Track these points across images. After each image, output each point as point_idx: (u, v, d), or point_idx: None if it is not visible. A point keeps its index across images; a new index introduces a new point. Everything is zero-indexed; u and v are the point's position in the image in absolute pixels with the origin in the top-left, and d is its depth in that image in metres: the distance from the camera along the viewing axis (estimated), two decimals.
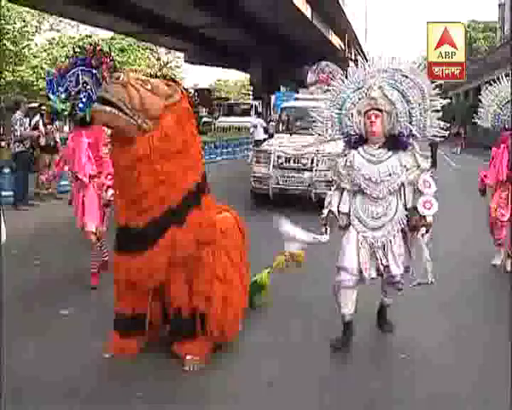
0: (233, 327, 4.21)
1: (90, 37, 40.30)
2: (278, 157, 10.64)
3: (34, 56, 39.28)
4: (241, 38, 34.14)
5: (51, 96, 5.80)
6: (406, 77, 4.27)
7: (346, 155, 4.36)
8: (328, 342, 4.42)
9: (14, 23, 36.51)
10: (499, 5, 42.44)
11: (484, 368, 4.14)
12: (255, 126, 18.69)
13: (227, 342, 4.23)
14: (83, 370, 4.02)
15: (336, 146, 10.90)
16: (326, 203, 4.47)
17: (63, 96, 5.72)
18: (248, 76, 47.34)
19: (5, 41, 35.11)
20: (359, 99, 4.32)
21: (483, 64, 35.44)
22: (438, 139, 4.57)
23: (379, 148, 4.23)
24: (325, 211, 4.44)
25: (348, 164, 4.28)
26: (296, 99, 13.44)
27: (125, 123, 3.56)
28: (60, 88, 5.74)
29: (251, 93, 44.27)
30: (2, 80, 34.36)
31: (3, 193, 10.62)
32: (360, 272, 4.24)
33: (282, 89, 44.61)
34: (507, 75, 6.54)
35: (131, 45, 44.15)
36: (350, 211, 4.34)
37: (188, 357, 3.98)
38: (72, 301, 5.32)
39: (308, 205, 10.19)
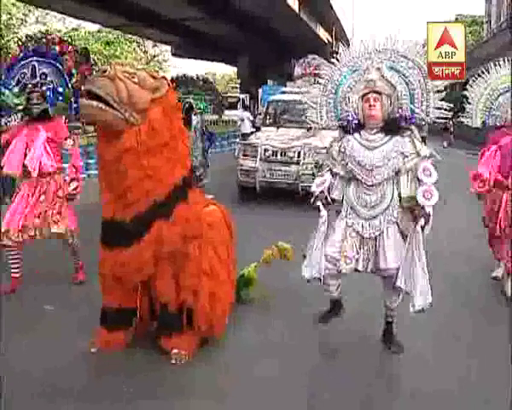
0: (220, 322, 4.20)
1: (77, 30, 40.00)
2: (265, 150, 10.60)
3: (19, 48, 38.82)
4: (228, 31, 34.08)
5: (4, 91, 5.50)
6: (405, 57, 4.13)
7: (341, 140, 4.16)
8: (318, 338, 4.40)
9: None
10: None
11: (482, 367, 4.06)
12: (242, 120, 18.60)
13: (214, 337, 4.22)
14: (71, 367, 3.98)
15: (323, 139, 11.08)
16: (318, 182, 4.25)
17: (16, 89, 5.47)
18: (236, 69, 47.24)
19: None
20: (356, 82, 4.16)
21: (470, 58, 35.62)
22: (425, 133, 4.52)
23: (376, 133, 4.03)
24: (318, 189, 4.21)
25: (342, 149, 4.10)
26: (283, 92, 13.41)
27: (113, 117, 3.52)
28: (9, 81, 5.47)
29: (238, 86, 44.12)
30: None
31: None
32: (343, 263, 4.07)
33: (270, 83, 44.59)
34: (495, 65, 5.74)
35: (118, 38, 43.88)
36: (341, 198, 4.18)
37: (174, 351, 3.96)
38: (57, 297, 5.26)
39: (295, 198, 10.22)
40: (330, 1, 36.08)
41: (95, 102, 3.46)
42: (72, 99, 5.80)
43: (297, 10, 32.57)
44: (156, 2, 27.30)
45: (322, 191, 4.18)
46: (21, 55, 5.60)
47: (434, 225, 3.97)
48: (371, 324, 4.56)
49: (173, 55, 44.03)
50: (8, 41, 37.25)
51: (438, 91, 4.17)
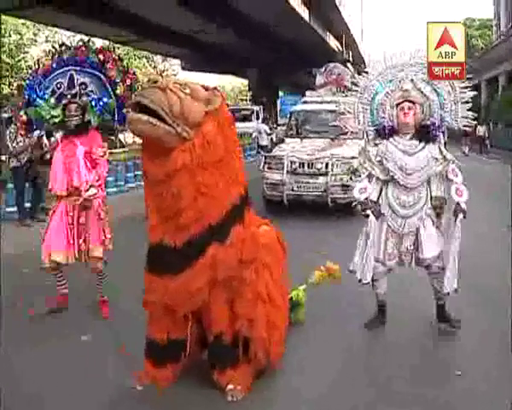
0: (278, 350, 3.84)
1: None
2: (292, 162, 10.30)
3: (30, 69, 38.90)
4: (237, 42, 33.87)
5: (39, 102, 5.13)
6: None
7: (377, 145, 4.54)
8: (370, 359, 4.30)
9: (10, 36, 36.16)
10: (494, 1, 42.31)
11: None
12: (259, 132, 18.36)
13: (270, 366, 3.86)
14: (116, 404, 3.69)
15: (350, 149, 10.82)
16: (359, 188, 4.54)
17: (52, 100, 5.08)
18: (244, 81, 47.07)
19: (1, 54, 34.76)
20: (391, 91, 4.50)
21: (480, 62, 35.29)
22: (445, 139, 4.74)
23: (410, 139, 4.42)
24: (362, 196, 4.50)
25: (381, 153, 4.45)
26: (304, 102, 13.10)
27: (165, 132, 3.16)
28: (44, 91, 5.09)
29: (248, 98, 43.91)
30: None
31: (8, 209, 10.31)
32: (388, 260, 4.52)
33: (281, 93, 44.43)
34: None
35: (128, 53, 43.88)
36: (379, 199, 4.49)
37: (230, 386, 3.61)
38: (94, 325, 4.96)
39: (324, 210, 9.96)
40: (339, 7, 35.91)
41: (145, 117, 3.11)
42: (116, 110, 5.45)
43: (307, 19, 32.38)
44: (165, 16, 27.12)
45: (366, 198, 4.48)
46: (55, 64, 5.23)
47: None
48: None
49: (183, 68, 43.88)
50: (19, 61, 37.33)
51: (466, 102, 4.57)
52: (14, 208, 10.20)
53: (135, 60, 45.49)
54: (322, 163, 10.16)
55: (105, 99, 5.11)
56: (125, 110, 5.44)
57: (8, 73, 35.83)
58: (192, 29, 30.88)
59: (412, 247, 4.53)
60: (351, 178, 9.57)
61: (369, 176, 4.53)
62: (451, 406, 3.66)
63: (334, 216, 9.82)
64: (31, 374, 4.07)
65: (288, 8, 27.76)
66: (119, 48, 42.00)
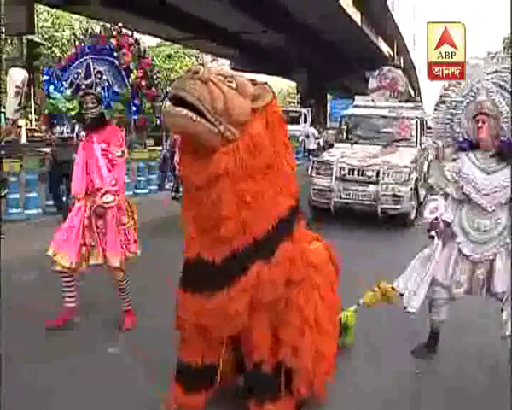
0: (323, 381, 3.40)
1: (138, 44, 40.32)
2: (341, 169, 9.80)
3: None
4: (287, 44, 33.51)
5: (55, 95, 4.69)
6: None
7: (454, 160, 4.12)
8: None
9: (63, 31, 36.71)
10: None
11: None
12: (307, 136, 17.89)
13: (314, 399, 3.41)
14: None
15: (402, 157, 10.25)
16: (431, 208, 4.11)
17: (68, 92, 4.64)
18: (292, 83, 46.57)
19: (54, 48, 35.31)
20: (467, 104, 4.09)
21: None
22: None
23: (491, 156, 4.00)
24: (431, 216, 4.06)
25: (456, 170, 4.07)
26: (356, 106, 12.57)
27: (206, 130, 2.73)
28: (63, 83, 4.64)
29: (296, 101, 43.42)
30: None
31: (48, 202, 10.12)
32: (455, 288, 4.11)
33: (329, 97, 43.83)
34: None
35: (178, 52, 44.03)
36: (452, 221, 4.07)
37: None
38: (120, 336, 4.64)
39: (373, 221, 9.46)
40: (391, 11, 35.14)
41: (185, 111, 2.66)
42: (131, 100, 4.93)
43: (359, 23, 31.78)
44: (216, 15, 27.05)
45: (436, 218, 4.03)
46: (77, 53, 4.79)
47: None
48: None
49: (232, 69, 43.79)
50: None
51: None
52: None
53: (184, 59, 45.67)
54: (373, 171, 9.63)
55: (115, 87, 4.62)
56: (136, 99, 4.90)
57: None
58: (242, 29, 30.73)
59: (484, 276, 4.07)
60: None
61: (445, 195, 4.14)
62: None
63: (384, 227, 9.33)
64: (58, 389, 3.79)
65: (340, 10, 27.28)
66: (169, 46, 42.48)
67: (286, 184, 3.05)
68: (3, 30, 19.90)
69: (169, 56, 43.15)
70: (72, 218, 4.60)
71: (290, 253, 3.03)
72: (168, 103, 2.75)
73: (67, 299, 4.73)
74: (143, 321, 4.83)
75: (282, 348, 3.16)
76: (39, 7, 29.01)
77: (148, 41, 41.76)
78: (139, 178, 13.16)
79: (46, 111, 4.72)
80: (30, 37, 20.41)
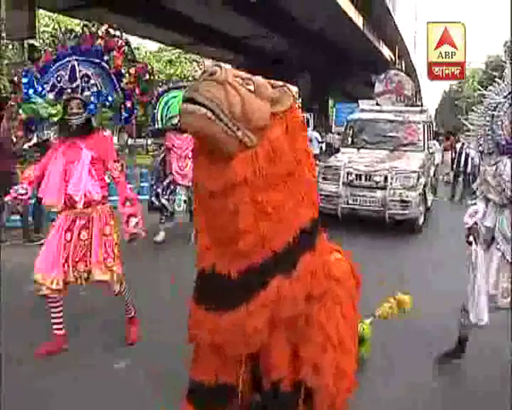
0: (345, 398, 3.21)
1: (138, 49, 40.18)
2: (348, 174, 9.66)
3: None
4: (289, 48, 33.41)
5: (36, 99, 4.41)
6: None
7: (496, 164, 3.93)
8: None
9: None
10: None
11: None
12: (310, 140, 17.73)
13: None
14: None
15: (410, 161, 10.08)
16: (470, 212, 4.04)
17: (51, 96, 4.36)
18: (294, 88, 46.39)
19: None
20: (510, 105, 3.90)
21: None
22: None
23: None
24: (470, 221, 3.98)
25: (499, 173, 3.89)
26: (362, 111, 12.41)
27: (223, 132, 2.52)
28: (44, 86, 4.34)
29: (299, 105, 43.30)
30: None
31: None
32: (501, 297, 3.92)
33: (331, 101, 43.68)
34: None
35: (179, 57, 43.95)
36: (494, 226, 3.95)
37: None
38: (128, 351, 4.46)
39: (381, 227, 9.30)
40: (393, 16, 35.06)
41: (203, 109, 2.45)
42: (123, 106, 4.63)
43: (361, 27, 31.69)
44: (218, 19, 26.95)
45: (475, 223, 3.96)
46: (58, 54, 4.48)
47: None
48: None
49: None
50: None
51: None
52: None
53: (185, 64, 45.61)
54: (380, 176, 9.48)
55: (105, 92, 4.33)
56: (129, 104, 4.62)
57: None
58: (244, 34, 30.64)
59: None
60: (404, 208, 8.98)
61: (486, 200, 4.03)
62: None
63: (391, 234, 9.18)
64: (59, 394, 3.73)
65: (342, 14, 27.19)
66: (170, 51, 42.37)
67: (307, 193, 2.86)
68: (4, 35, 19.71)
69: (170, 61, 43.00)
70: (53, 233, 4.27)
71: (311, 266, 2.85)
72: (185, 103, 2.52)
73: (57, 326, 4.41)
74: (150, 333, 4.66)
75: (302, 365, 2.98)
76: (41, 12, 28.89)
77: (148, 46, 41.80)
78: (142, 184, 12.97)
79: (23, 115, 4.38)
80: (31, 41, 20.21)
